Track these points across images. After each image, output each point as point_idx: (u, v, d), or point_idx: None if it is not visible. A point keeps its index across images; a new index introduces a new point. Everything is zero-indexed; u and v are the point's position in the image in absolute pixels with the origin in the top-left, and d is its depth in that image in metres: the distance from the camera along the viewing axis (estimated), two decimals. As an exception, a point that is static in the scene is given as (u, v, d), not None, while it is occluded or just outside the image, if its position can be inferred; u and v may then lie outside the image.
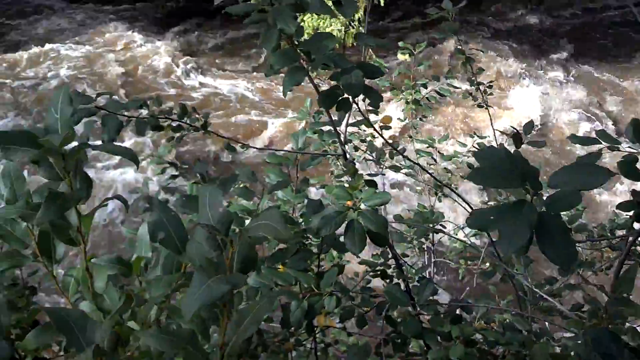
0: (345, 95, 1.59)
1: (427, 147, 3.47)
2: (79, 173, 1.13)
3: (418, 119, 3.54)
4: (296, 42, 1.56)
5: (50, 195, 1.05)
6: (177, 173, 2.67)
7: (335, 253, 2.64)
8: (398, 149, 2.73)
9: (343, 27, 7.84)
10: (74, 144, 1.15)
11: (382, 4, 10.01)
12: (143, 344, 1.08)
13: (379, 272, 2.45)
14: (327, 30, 8.45)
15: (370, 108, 1.78)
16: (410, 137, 3.52)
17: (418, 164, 2.65)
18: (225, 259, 0.87)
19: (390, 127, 2.84)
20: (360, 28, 7.89)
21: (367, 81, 1.59)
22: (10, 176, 1.29)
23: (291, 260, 1.82)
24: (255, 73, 11.91)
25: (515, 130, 2.53)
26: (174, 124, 1.99)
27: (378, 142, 3.27)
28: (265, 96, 10.96)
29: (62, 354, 1.53)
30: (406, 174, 3.15)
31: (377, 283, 2.70)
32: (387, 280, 2.45)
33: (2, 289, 1.92)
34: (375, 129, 2.05)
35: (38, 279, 2.37)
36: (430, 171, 3.05)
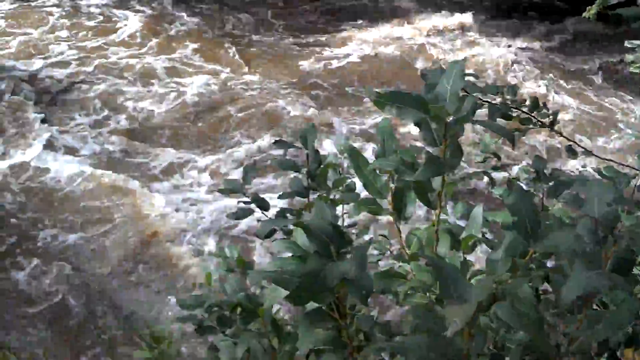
0: None
1: None
2: (454, 143, 1.21)
3: None
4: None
5: (430, 158, 1.15)
6: (498, 165, 2.67)
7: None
8: None
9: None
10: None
11: None
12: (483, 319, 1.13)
13: None
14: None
15: None
16: None
17: None
18: (603, 256, 0.86)
19: None
20: None
21: None
22: (384, 134, 1.44)
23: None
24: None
25: None
26: (522, 116, 1.99)
27: None
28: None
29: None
30: None
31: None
32: None
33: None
34: None
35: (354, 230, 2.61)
36: None
